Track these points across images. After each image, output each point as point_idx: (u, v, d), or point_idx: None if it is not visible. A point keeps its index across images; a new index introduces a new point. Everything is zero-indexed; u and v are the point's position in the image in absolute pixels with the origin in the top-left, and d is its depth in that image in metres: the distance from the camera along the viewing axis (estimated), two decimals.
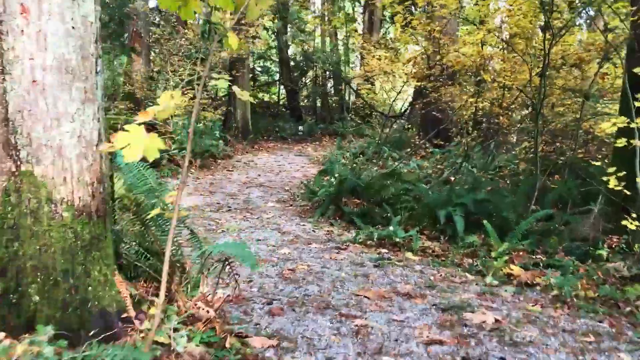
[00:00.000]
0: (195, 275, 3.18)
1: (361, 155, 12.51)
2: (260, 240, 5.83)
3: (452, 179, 8.92)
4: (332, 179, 7.50)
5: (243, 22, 13.93)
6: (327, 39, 23.61)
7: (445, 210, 6.39)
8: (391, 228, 5.92)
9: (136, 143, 2.11)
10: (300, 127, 19.97)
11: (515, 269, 4.83)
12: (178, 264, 3.05)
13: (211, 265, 3.30)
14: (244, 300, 3.95)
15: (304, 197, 7.97)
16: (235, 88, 2.61)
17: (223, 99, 19.11)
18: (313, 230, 6.36)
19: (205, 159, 12.22)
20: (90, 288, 2.59)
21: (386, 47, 15.62)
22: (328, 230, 6.37)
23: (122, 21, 10.26)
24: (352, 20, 24.14)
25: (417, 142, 12.35)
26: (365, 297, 4.13)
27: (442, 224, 6.27)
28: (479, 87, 8.89)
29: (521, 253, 5.39)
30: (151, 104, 12.46)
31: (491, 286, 4.57)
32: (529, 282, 4.63)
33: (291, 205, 7.76)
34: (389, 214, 6.59)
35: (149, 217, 2.72)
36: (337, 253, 5.43)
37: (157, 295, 2.93)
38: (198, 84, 2.52)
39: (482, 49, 7.87)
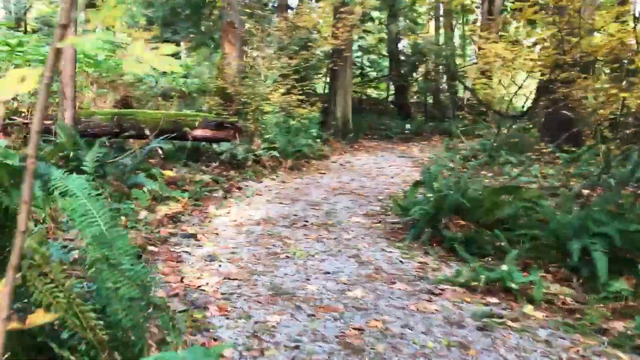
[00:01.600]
0: None
1: (473, 159, 10.85)
2: (329, 273, 4.54)
3: (586, 192, 7.12)
4: (431, 194, 6.00)
5: (342, 9, 12.75)
6: (442, 31, 21.85)
7: (579, 243, 4.76)
8: (504, 267, 4.39)
9: None
10: (407, 126, 18.41)
11: None
12: None
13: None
14: None
15: (396, 212, 6.58)
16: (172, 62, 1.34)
17: (327, 96, 17.98)
18: (400, 261, 4.97)
19: (296, 160, 11.15)
20: None
21: (508, 38, 13.76)
22: (420, 262, 4.95)
23: (198, 7, 9.37)
24: (470, 11, 22.21)
25: (541, 146, 10.45)
26: None
27: (575, 261, 4.65)
28: (626, 79, 6.99)
29: None
30: (244, 100, 11.60)
31: None
32: None
33: (379, 222, 6.40)
34: (502, 243, 5.07)
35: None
36: (428, 301, 4.02)
37: None
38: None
39: (637, 28, 5.99)
